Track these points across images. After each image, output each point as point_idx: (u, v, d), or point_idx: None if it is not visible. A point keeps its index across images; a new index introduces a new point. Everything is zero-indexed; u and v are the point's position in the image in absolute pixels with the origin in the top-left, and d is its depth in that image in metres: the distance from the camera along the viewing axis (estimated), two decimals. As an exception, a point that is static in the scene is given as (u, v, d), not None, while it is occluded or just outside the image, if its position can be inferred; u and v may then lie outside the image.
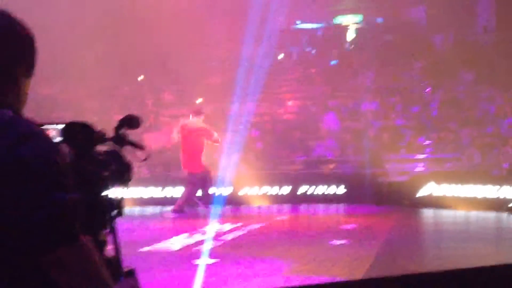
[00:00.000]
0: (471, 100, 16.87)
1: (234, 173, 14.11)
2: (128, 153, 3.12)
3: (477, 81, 17.39)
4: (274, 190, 14.08)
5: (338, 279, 6.73)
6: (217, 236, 10.01)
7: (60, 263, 2.03)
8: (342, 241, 9.42)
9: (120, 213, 3.04)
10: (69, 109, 15.72)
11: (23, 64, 2.22)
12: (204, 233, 10.27)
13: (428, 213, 12.80)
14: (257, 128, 17.06)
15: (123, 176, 3.04)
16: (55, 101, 16.50)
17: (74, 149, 2.91)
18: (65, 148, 2.88)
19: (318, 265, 7.58)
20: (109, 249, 2.97)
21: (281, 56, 22.09)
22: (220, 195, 13.17)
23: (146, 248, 8.93)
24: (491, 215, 12.09)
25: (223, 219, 11.80)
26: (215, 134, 12.33)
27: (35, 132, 2.09)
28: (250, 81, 20.24)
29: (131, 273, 2.88)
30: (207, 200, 12.41)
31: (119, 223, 2.93)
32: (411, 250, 8.82)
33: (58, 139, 2.87)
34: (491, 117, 15.84)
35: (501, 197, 12.41)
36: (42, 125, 2.44)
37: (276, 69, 20.85)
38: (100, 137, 3.01)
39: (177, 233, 10.34)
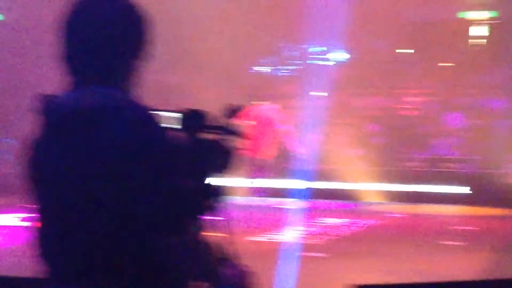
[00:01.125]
0: None
1: (351, 167, 13.94)
2: (230, 141, 3.15)
3: None
4: (393, 187, 13.76)
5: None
6: (333, 229, 9.92)
7: (169, 247, 2.07)
8: (459, 243, 9.08)
9: (221, 200, 3.08)
10: (188, 98, 16.06)
11: (136, 45, 2.23)
12: (318, 226, 10.21)
13: None
14: (376, 122, 16.75)
15: (227, 164, 3.07)
16: (176, 89, 16.91)
17: (186, 136, 2.97)
18: (177, 135, 2.94)
19: (428, 266, 7.33)
20: (214, 235, 2.98)
21: (401, 50, 21.55)
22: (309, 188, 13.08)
23: (256, 238, 8.97)
24: None
25: (339, 213, 11.72)
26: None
27: (149, 118, 2.15)
28: (372, 75, 19.92)
29: (231, 260, 2.88)
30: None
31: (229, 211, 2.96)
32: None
33: (170, 125, 2.93)
34: None
35: None
36: (155, 111, 2.49)
37: (398, 63, 20.41)
38: (209, 125, 3.06)
39: (288, 224, 10.29)
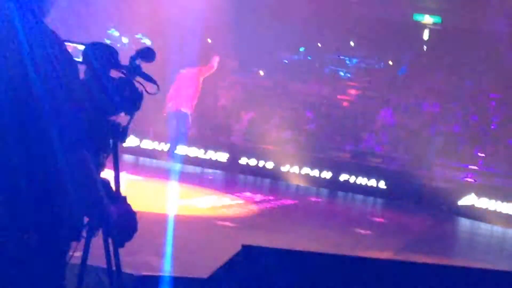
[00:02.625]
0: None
1: (279, 148, 14.08)
2: (139, 83, 3.14)
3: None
4: (316, 172, 13.95)
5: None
6: (246, 203, 10.06)
7: (59, 170, 2.08)
8: (367, 231, 9.37)
9: (123, 140, 3.08)
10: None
11: None
12: (233, 198, 10.33)
13: (462, 222, 12.51)
14: (313, 109, 16.91)
15: (133, 104, 3.07)
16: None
17: (92, 69, 2.95)
18: (83, 66, 2.92)
19: (334, 248, 7.53)
20: (110, 173, 2.99)
21: (352, 43, 21.78)
22: None
23: (173, 202, 9.02)
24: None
25: (258, 189, 11.91)
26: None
27: (56, 43, 2.14)
28: (316, 63, 20.07)
29: (125, 199, 2.91)
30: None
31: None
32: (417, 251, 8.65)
33: (78, 57, 2.90)
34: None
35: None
36: (65, 41, 2.46)
37: (345, 56, 20.62)
38: (117, 63, 3.04)
39: (208, 193, 10.41)
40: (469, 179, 14.45)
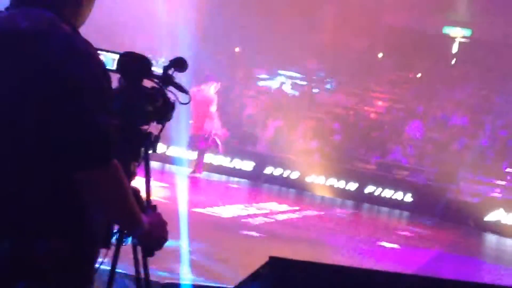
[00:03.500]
0: None
1: (305, 159, 14.03)
2: (171, 93, 3.15)
3: None
4: (341, 184, 13.89)
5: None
6: (271, 214, 10.03)
7: (91, 183, 2.07)
8: (394, 245, 9.28)
9: (154, 149, 3.08)
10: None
11: None
12: (259, 208, 10.32)
13: (489, 238, 12.35)
14: (339, 120, 16.84)
15: (165, 114, 3.08)
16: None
17: (125, 78, 2.96)
18: (117, 76, 2.92)
19: (345, 259, 7.47)
20: (140, 181, 3.00)
21: (380, 54, 21.71)
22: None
23: (198, 209, 9.04)
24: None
25: (284, 200, 11.88)
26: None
27: (89, 53, 2.11)
28: (344, 73, 19.97)
29: (155, 208, 2.92)
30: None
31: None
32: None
33: (112, 66, 2.90)
34: None
35: None
36: (98, 50, 2.46)
37: (373, 67, 20.54)
38: (150, 73, 3.05)
39: (233, 202, 10.42)
40: (496, 194, 14.29)
